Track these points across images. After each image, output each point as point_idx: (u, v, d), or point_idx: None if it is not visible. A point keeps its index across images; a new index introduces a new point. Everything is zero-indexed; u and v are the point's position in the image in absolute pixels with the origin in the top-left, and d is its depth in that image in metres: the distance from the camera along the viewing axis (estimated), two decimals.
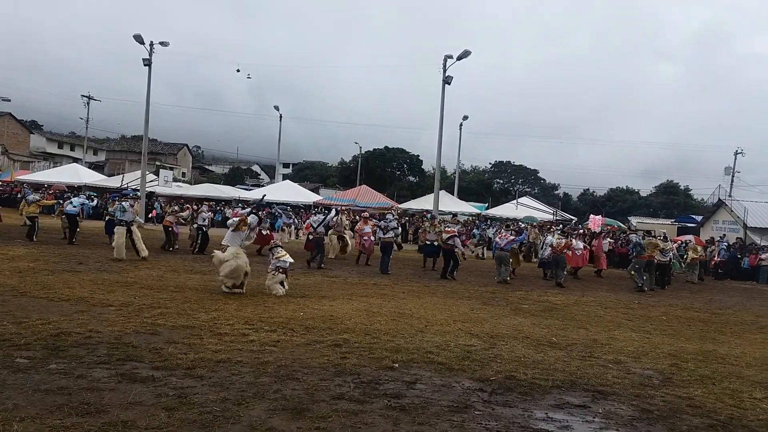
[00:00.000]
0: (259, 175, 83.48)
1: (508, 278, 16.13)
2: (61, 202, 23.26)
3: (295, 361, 6.11)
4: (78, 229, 18.61)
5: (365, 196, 40.68)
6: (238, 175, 76.11)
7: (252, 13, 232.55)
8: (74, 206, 18.76)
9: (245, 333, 7.30)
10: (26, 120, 69.49)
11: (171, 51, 31.75)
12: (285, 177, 60.65)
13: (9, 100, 54.92)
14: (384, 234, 17.70)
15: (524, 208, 38.15)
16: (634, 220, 43.87)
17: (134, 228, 15.55)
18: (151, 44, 31.06)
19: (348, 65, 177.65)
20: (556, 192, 75.78)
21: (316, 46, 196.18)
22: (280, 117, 50.21)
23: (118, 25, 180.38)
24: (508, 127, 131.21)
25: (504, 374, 6.20)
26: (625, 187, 75.03)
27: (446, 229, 17.50)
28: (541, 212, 36.89)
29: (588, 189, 78.00)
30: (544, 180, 77.62)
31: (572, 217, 42.04)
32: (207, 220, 19.14)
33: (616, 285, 17.78)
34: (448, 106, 29.90)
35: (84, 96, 55.81)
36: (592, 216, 29.34)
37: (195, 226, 19.02)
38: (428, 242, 18.40)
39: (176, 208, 21.23)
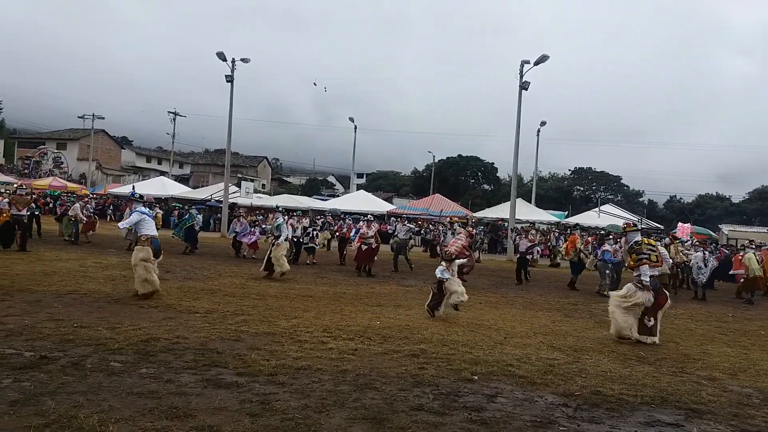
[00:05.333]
0: (335, 185, 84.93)
1: (605, 292, 15.45)
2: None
3: (373, 370, 6.11)
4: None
5: (439, 204, 40.53)
6: (315, 185, 77.73)
7: (302, 29, 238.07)
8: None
9: (324, 341, 7.38)
10: (118, 136, 73.84)
11: (239, 66, 32.67)
12: (359, 187, 61.36)
13: (103, 118, 58.41)
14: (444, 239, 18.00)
15: (607, 216, 36.83)
16: (725, 228, 41.53)
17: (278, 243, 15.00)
18: (233, 61, 32.24)
19: (402, 75, 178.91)
20: (640, 199, 72.81)
21: (369, 58, 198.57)
22: (355, 128, 50.82)
23: (186, 45, 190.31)
24: (578, 132, 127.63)
25: (589, 389, 5.95)
26: (714, 194, 71.20)
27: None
28: (625, 221, 35.47)
29: (674, 195, 74.64)
30: (627, 186, 74.69)
31: (659, 226, 40.24)
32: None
33: (707, 298, 16.78)
34: (510, 112, 29.34)
35: (170, 112, 58.72)
36: (680, 224, 28.00)
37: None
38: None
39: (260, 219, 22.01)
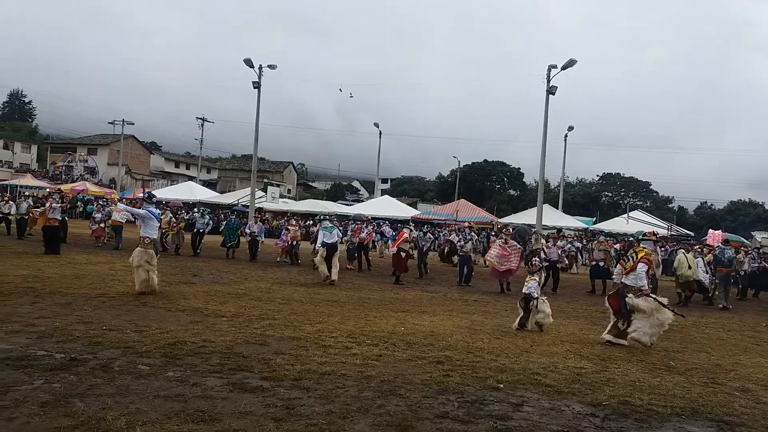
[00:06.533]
0: (359, 190, 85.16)
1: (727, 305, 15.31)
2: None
3: (398, 376, 6.08)
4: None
5: (464, 210, 40.33)
6: (339, 190, 78.04)
7: (324, 36, 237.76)
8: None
9: (348, 346, 7.38)
10: (147, 142, 75.11)
11: (265, 73, 32.89)
12: (384, 192, 61.40)
13: (133, 124, 59.53)
14: (463, 245, 17.49)
15: (635, 222, 36.25)
16: (758, 236, 40.55)
17: (336, 253, 14.87)
18: (260, 67, 32.55)
19: (425, 80, 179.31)
20: (670, 205, 71.66)
21: (392, 63, 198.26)
22: (380, 134, 51.01)
23: (211, 52, 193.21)
24: (606, 137, 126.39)
25: (617, 399, 5.84)
26: (747, 200, 69.72)
27: None
28: (655, 227, 34.89)
29: (705, 202, 73.35)
30: (656, 192, 73.62)
31: (689, 233, 39.50)
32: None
33: (740, 306, 16.41)
34: (532, 117, 28.95)
35: (198, 118, 59.49)
36: (711, 231, 27.40)
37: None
38: (595, 263, 17.44)
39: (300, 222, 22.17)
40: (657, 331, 8.76)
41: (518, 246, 16.05)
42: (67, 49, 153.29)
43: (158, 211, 11.49)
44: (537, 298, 9.69)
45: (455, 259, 21.68)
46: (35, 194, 34.91)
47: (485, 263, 21.39)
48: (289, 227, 20.81)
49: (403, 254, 16.24)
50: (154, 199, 11.89)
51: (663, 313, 8.83)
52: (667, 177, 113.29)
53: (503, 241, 16.14)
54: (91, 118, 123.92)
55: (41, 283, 10.84)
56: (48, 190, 40.70)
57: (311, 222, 31.99)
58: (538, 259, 10.89)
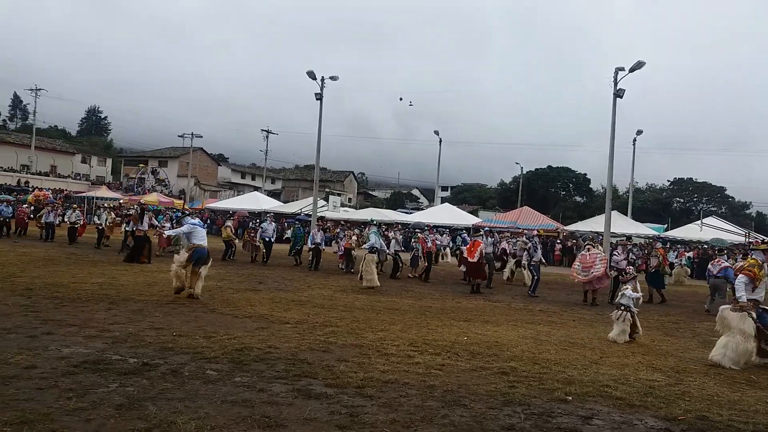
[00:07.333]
0: (419, 198, 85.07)
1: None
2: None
3: (462, 386, 5.99)
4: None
5: (527, 217, 39.56)
6: (399, 199, 78.21)
7: (382, 44, 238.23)
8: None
9: (410, 355, 7.34)
10: (214, 154, 77.64)
11: (326, 84, 33.26)
12: (444, 200, 61.08)
13: (201, 137, 61.62)
14: (532, 256, 17.08)
15: (710, 229, 34.61)
16: None
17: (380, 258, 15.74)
18: (322, 79, 33.05)
19: (485, 87, 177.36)
20: (747, 211, 68.18)
21: (450, 70, 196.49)
22: (440, 141, 50.94)
23: (273, 64, 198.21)
24: (676, 141, 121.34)
25: (694, 414, 5.55)
26: None
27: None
28: (731, 234, 33.24)
29: None
30: (732, 198, 70.21)
31: None
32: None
33: None
34: (599, 122, 27.94)
35: (263, 130, 61.06)
36: None
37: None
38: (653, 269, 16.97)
39: (357, 231, 22.45)
40: (742, 358, 7.90)
41: (602, 254, 15.66)
42: (139, 66, 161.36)
43: (197, 220, 12.32)
44: (627, 310, 9.44)
45: (497, 264, 21.64)
46: (111, 205, 36.59)
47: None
48: (346, 239, 21.04)
49: (484, 261, 16.28)
50: (182, 213, 12.75)
51: (748, 342, 7.95)
52: (743, 181, 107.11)
53: (587, 249, 15.89)
54: (161, 132, 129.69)
55: (116, 290, 11.32)
56: (121, 201, 42.59)
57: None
58: (632, 267, 10.60)
